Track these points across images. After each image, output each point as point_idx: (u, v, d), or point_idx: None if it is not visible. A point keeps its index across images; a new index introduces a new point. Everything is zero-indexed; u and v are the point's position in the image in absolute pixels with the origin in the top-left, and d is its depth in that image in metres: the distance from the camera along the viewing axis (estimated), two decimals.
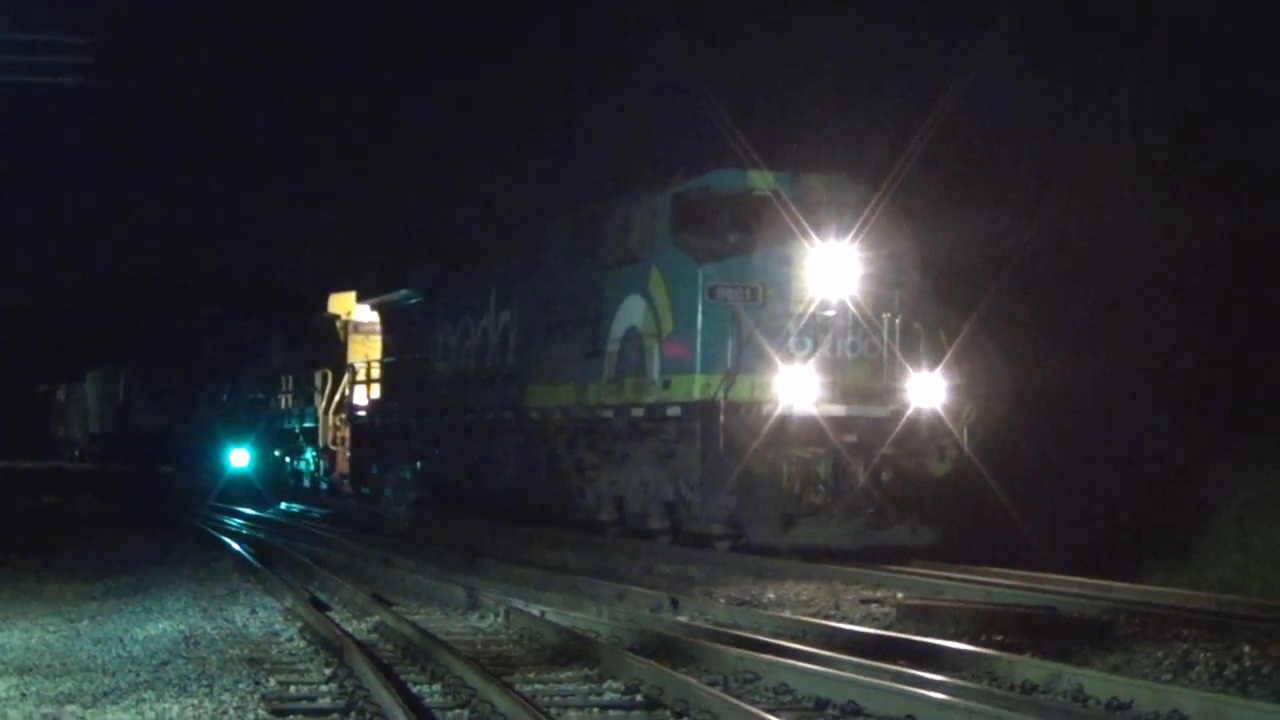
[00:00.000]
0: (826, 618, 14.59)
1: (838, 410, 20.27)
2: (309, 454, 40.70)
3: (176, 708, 9.73)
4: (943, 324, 21.15)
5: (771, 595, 16.47)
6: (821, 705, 9.87)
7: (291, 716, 9.51)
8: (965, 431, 20.76)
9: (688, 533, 21.92)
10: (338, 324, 39.46)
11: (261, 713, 9.52)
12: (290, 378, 43.70)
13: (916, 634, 13.47)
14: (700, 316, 20.72)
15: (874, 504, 20.33)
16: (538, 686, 10.54)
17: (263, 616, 14.71)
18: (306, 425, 40.41)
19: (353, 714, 9.52)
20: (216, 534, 27.09)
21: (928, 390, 20.49)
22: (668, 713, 9.63)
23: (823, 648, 12.17)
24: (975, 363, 21.32)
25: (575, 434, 24.57)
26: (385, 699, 9.51)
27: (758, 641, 12.56)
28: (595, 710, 9.81)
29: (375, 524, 31.39)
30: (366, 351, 37.65)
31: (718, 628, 13.71)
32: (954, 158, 28.54)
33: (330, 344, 39.70)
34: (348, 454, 37.96)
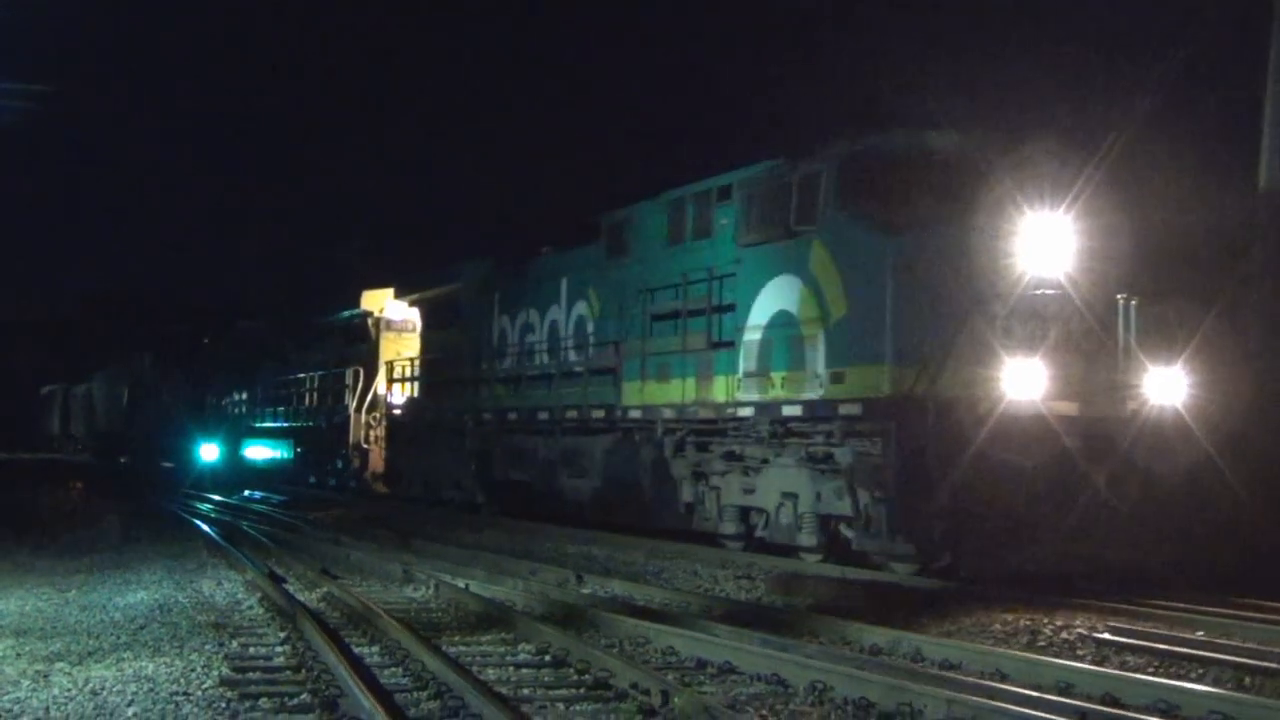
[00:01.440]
0: (707, 592, 14.71)
1: (1069, 408, 15.14)
2: (339, 451, 35.31)
3: (151, 665, 9.76)
4: (1177, 309, 16.12)
5: (662, 573, 16.56)
6: (702, 665, 9.98)
7: (250, 674, 9.52)
8: (1207, 435, 15.54)
9: (851, 549, 16.35)
10: (369, 321, 34.78)
11: (225, 670, 9.55)
12: (316, 376, 38.32)
13: (783, 604, 13.67)
14: (891, 297, 15.26)
15: (1110, 519, 14.99)
16: (462, 648, 10.61)
17: (227, 588, 14.66)
18: (336, 422, 35.27)
19: (303, 671, 9.53)
20: (189, 517, 26.84)
21: (1168, 386, 15.39)
22: (572, 671, 9.70)
23: (704, 617, 12.32)
24: (1215, 356, 16.13)
25: (690, 435, 19.29)
26: (331, 659, 9.56)
27: (649, 611, 12.69)
28: (511, 669, 9.89)
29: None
30: (399, 349, 33.00)
31: (615, 599, 13.83)
32: (1177, 117, 20.22)
33: (360, 342, 35.30)
34: (382, 452, 33.01)
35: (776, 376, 17.26)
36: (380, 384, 33.37)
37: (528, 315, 24.71)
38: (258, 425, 43.69)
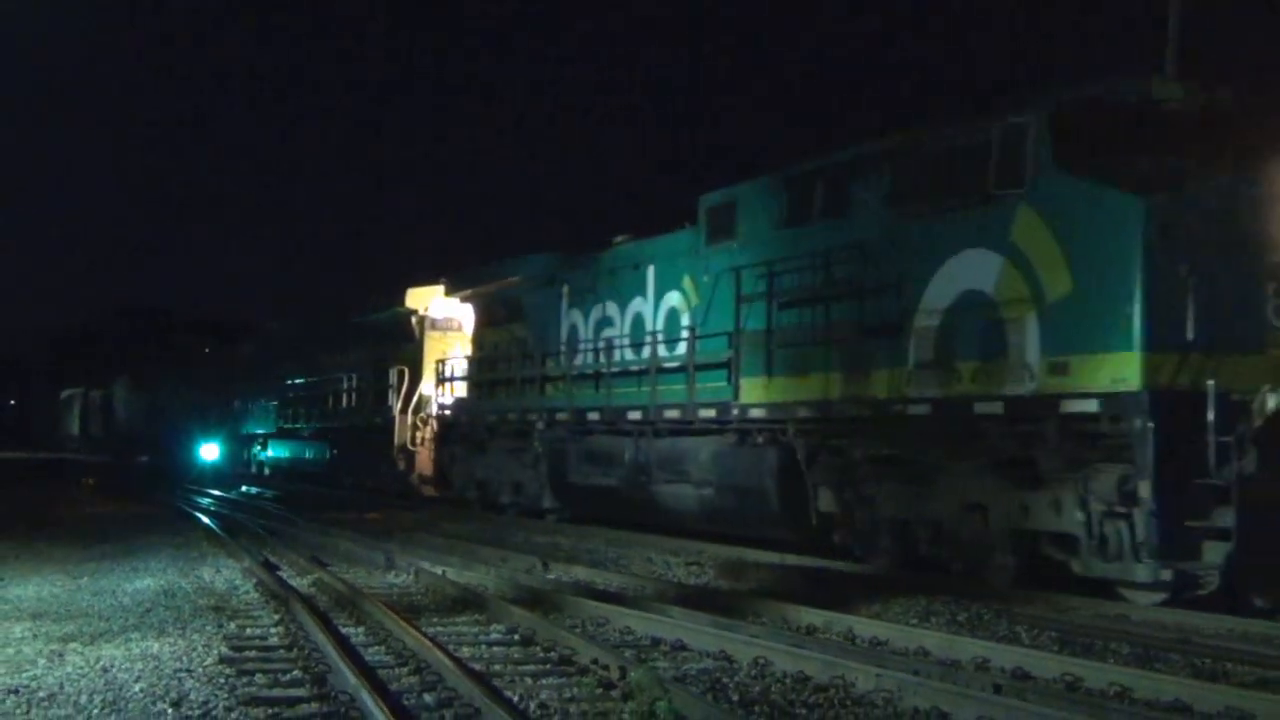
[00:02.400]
0: (660, 577, 14.72)
1: None
2: (383, 453, 30.62)
3: (157, 645, 9.71)
4: None
5: (620, 560, 16.57)
6: (656, 643, 10.00)
7: (247, 652, 9.49)
8: None
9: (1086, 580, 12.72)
10: (413, 320, 30.30)
11: (224, 650, 9.51)
12: (354, 376, 34.12)
13: (729, 588, 13.69)
14: (1143, 269, 11.78)
15: None
16: (439, 628, 10.58)
17: (226, 575, 14.58)
18: (378, 423, 30.92)
19: (295, 650, 9.52)
20: (191, 510, 26.66)
21: None
22: (539, 648, 9.71)
23: (658, 599, 12.33)
24: None
25: (831, 437, 15.44)
26: (320, 638, 9.54)
27: (609, 594, 12.71)
28: (483, 646, 9.88)
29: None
30: (444, 348, 28.99)
31: (578, 584, 13.82)
32: None
33: (403, 341, 30.86)
34: (431, 455, 28.77)
35: (964, 368, 13.56)
36: (425, 384, 29.50)
37: (603, 309, 21.06)
38: (285, 426, 39.94)
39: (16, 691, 7.99)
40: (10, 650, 9.49)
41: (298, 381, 39.04)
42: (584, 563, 15.92)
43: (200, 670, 8.72)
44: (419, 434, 29.16)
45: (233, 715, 7.36)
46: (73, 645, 9.72)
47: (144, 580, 14.03)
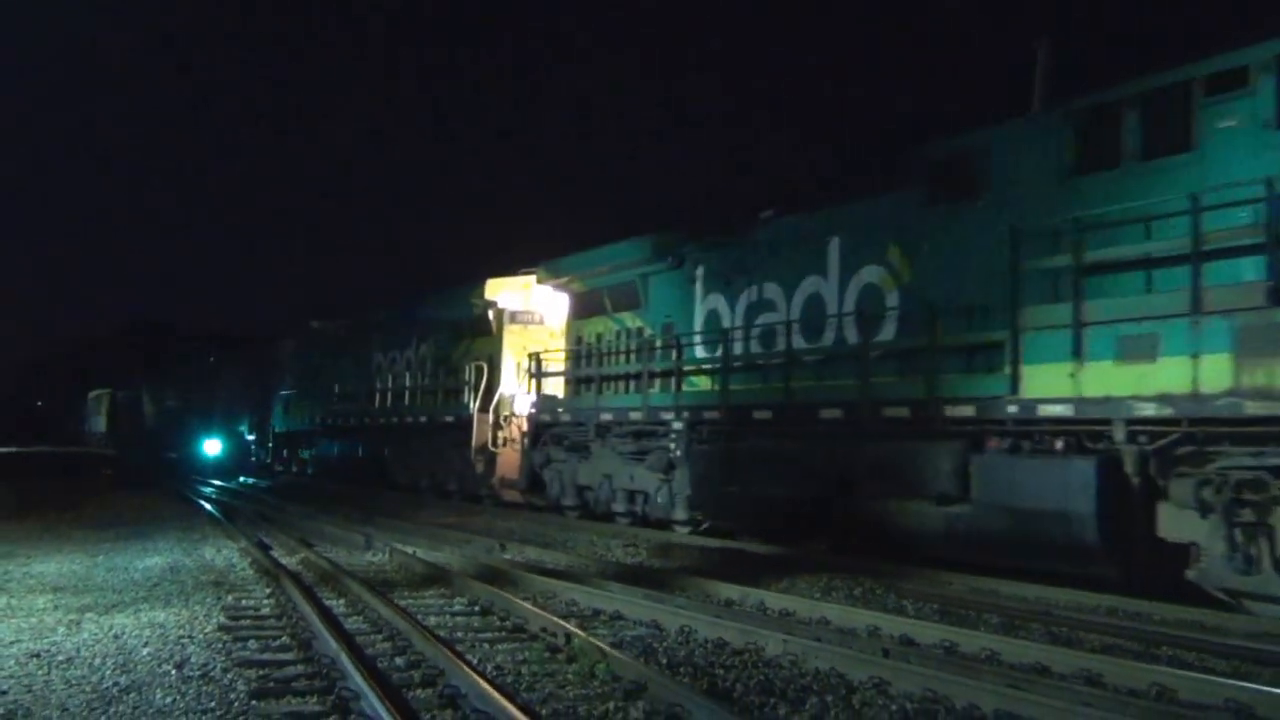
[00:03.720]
0: (602, 557, 14.73)
1: None
2: (460, 454, 24.67)
3: (163, 614, 9.63)
4: None
5: (567, 542, 16.55)
6: (597, 613, 9.99)
7: (242, 621, 9.41)
8: None
9: None
10: (490, 313, 24.48)
11: (222, 619, 9.43)
12: (417, 372, 28.42)
13: (660, 566, 13.72)
14: None
15: None
16: (410, 600, 10.54)
17: (225, 554, 14.45)
18: (451, 422, 25.23)
19: (284, 619, 9.45)
20: (196, 499, 26.38)
21: None
22: (495, 618, 9.70)
23: (599, 576, 12.34)
24: None
25: (1201, 444, 10.29)
26: (306, 609, 9.47)
27: (557, 571, 12.69)
28: (448, 616, 9.84)
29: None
30: (524, 343, 23.51)
31: (530, 562, 13.79)
32: None
33: (479, 336, 25.12)
34: (518, 456, 22.89)
35: None
36: (505, 381, 23.81)
37: (758, 291, 15.94)
38: (332, 424, 33.64)
39: (38, 655, 7.93)
40: (34, 619, 9.40)
41: (346, 378, 33.21)
42: (536, 544, 15.90)
43: (200, 637, 8.65)
44: (501, 434, 23.57)
45: (228, 676, 7.30)
46: (89, 615, 9.62)
47: (153, 559, 13.89)
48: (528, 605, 9.89)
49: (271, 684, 7.08)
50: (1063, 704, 6.46)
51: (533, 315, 24.28)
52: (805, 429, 14.67)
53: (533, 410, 21.83)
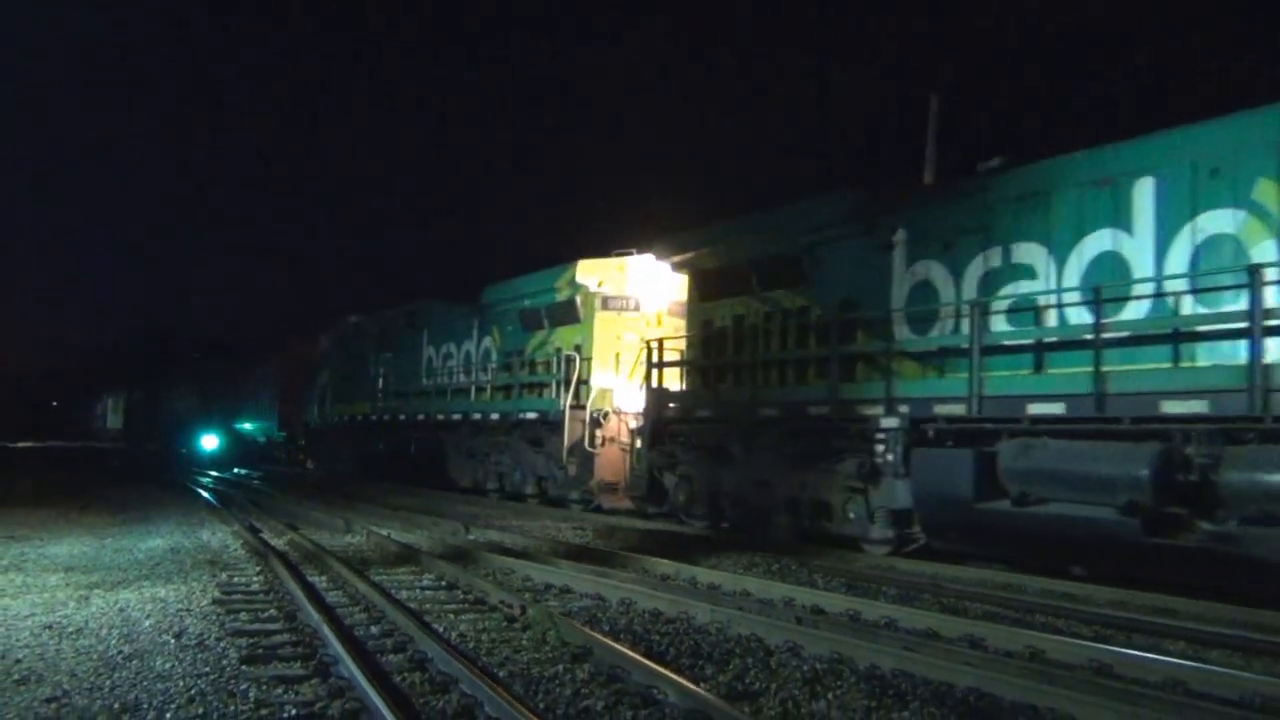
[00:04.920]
0: (553, 538, 14.69)
1: None
2: (546, 454, 20.02)
3: (164, 590, 9.47)
4: None
5: (524, 525, 16.49)
6: (549, 587, 9.97)
7: (234, 595, 9.27)
8: None
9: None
10: (578, 299, 19.80)
11: (216, 593, 9.29)
12: (484, 366, 23.02)
13: (604, 546, 13.70)
14: None
15: None
16: (384, 577, 10.44)
17: (220, 537, 14.23)
18: (526, 418, 20.62)
19: (272, 594, 9.33)
20: (194, 488, 25.97)
21: None
22: (459, 592, 9.63)
23: (551, 555, 12.30)
24: None
25: None
26: (292, 585, 9.36)
27: (514, 551, 12.64)
28: (418, 590, 9.75)
29: None
30: (617, 331, 19.27)
31: (491, 543, 13.72)
32: None
33: (566, 322, 20.26)
34: (621, 457, 18.50)
35: None
36: (598, 373, 19.24)
37: (1002, 254, 11.30)
38: (376, 420, 28.73)
39: (51, 627, 7.78)
40: (46, 595, 9.21)
41: (392, 374, 28.10)
42: (496, 527, 15.80)
43: (197, 610, 8.52)
44: (600, 432, 18.81)
45: (222, 644, 7.19)
46: (96, 591, 9.45)
47: (155, 541, 13.66)
48: (487, 581, 9.86)
49: (260, 651, 6.99)
50: (950, 663, 6.53)
51: (627, 301, 19.66)
52: (1116, 428, 9.85)
53: (649, 406, 16.77)
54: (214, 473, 33.35)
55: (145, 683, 6.17)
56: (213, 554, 12.31)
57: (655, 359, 16.72)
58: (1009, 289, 11.33)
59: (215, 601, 8.89)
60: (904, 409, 12.12)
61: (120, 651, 6.98)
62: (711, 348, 15.76)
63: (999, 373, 11.20)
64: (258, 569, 10.95)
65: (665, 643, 7.47)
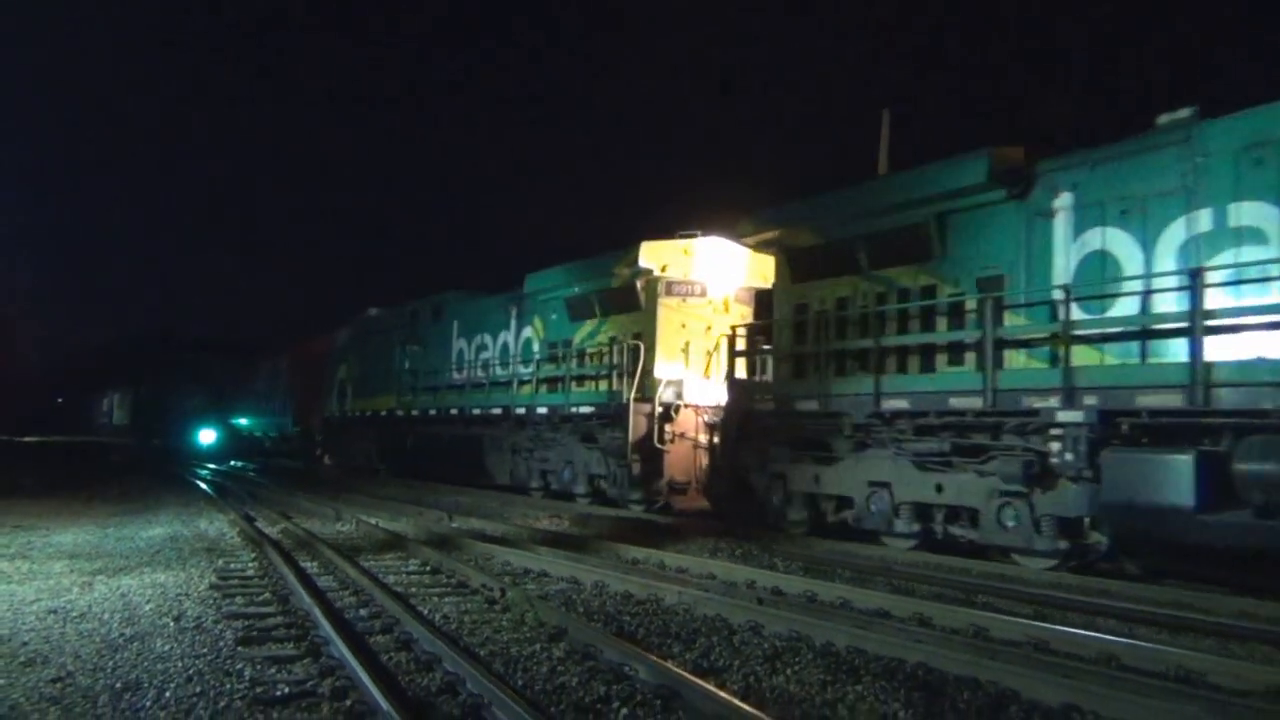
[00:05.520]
0: (532, 525, 14.64)
1: None
2: (610, 450, 17.06)
3: (164, 576, 9.37)
4: None
5: (504, 512, 16.44)
6: (527, 571, 9.94)
7: (231, 580, 9.18)
8: None
9: None
10: (639, 284, 17.15)
11: (213, 579, 9.20)
12: (521, 358, 20.35)
13: (579, 533, 13.68)
14: None
15: None
16: (372, 562, 10.38)
17: (217, 526, 14.11)
18: (579, 411, 17.86)
19: (266, 579, 9.24)
20: (193, 480, 25.73)
21: None
22: (443, 576, 9.59)
23: (529, 541, 12.27)
24: None
25: None
26: (285, 571, 9.29)
27: (494, 537, 12.60)
28: (404, 575, 9.70)
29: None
30: (682, 318, 16.86)
31: (473, 530, 13.66)
32: None
33: (626, 309, 17.62)
34: (691, 454, 16.42)
35: None
36: (660, 364, 16.64)
37: (1215, 217, 9.19)
38: (404, 416, 25.57)
39: (55, 611, 7.67)
40: (51, 582, 9.09)
41: (419, 367, 25.10)
42: (478, 515, 15.75)
43: (195, 594, 8.43)
44: (670, 428, 16.32)
45: (219, 627, 7.13)
46: (99, 577, 9.34)
47: (155, 530, 13.52)
48: (469, 566, 9.82)
49: (255, 633, 6.93)
50: (900, 641, 6.56)
51: (693, 286, 17.12)
52: None
53: (735, 399, 14.35)
54: (212, 465, 33.06)
55: (146, 663, 6.10)
56: (210, 542, 12.20)
57: (742, 347, 14.39)
58: (1225, 257, 9.04)
59: (212, 586, 8.81)
60: (1090, 400, 9.68)
61: (122, 634, 6.90)
62: (809, 333, 13.36)
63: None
64: (253, 556, 10.85)
65: (636, 623, 7.46)
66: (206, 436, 45.62)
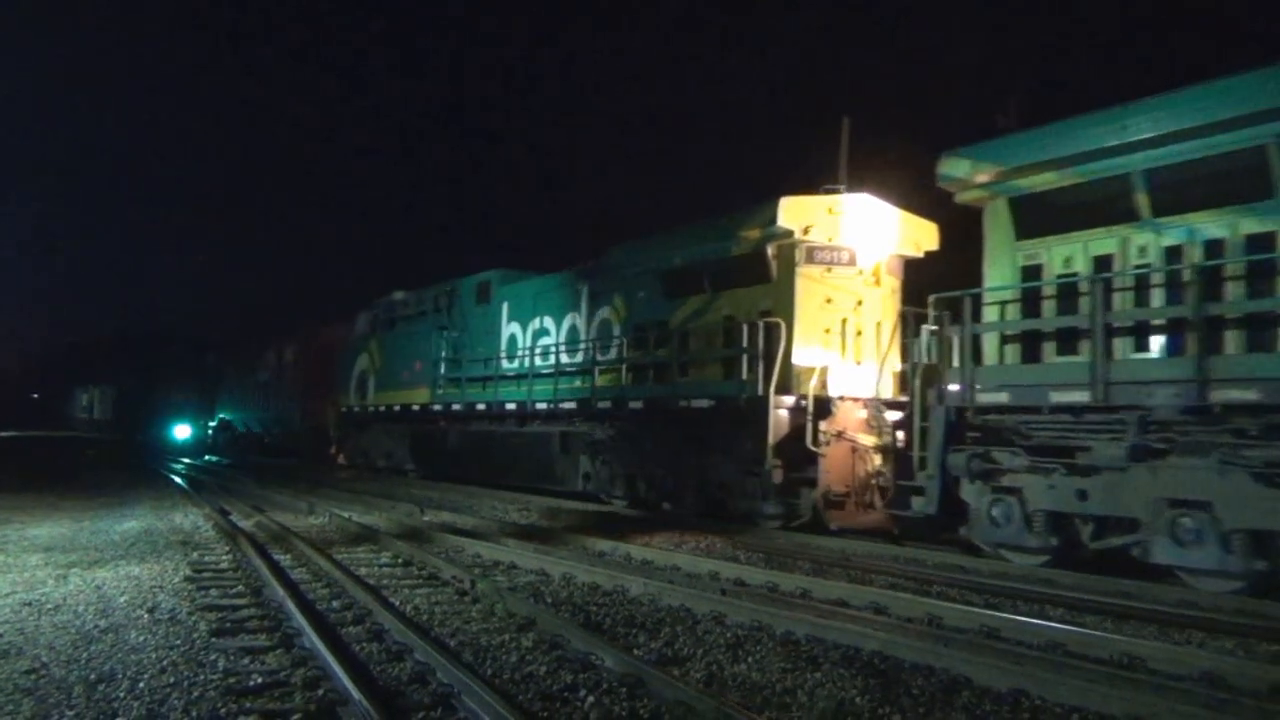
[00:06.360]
0: (501, 519, 14.61)
1: None
2: (738, 455, 13.34)
3: (138, 569, 9.27)
4: None
5: (474, 505, 16.38)
6: (497, 564, 9.92)
7: (205, 573, 9.10)
8: None
9: None
10: (771, 250, 13.48)
11: (188, 571, 9.12)
12: (599, 344, 16.65)
13: (547, 526, 13.66)
14: None
15: None
16: (345, 555, 10.32)
17: (191, 519, 13.96)
18: (694, 406, 14.06)
19: (240, 571, 9.17)
20: (167, 474, 25.44)
21: None
22: (415, 568, 9.55)
23: (499, 534, 12.24)
24: None
25: None
26: (258, 563, 9.22)
27: (465, 530, 12.56)
28: (376, 567, 9.66)
29: None
30: (826, 292, 13.36)
31: (444, 524, 13.61)
32: None
33: (742, 285, 14.06)
34: (851, 459, 12.60)
35: None
36: (801, 348, 13.21)
37: None
38: (442, 412, 21.43)
39: (30, 604, 7.58)
40: (27, 574, 8.97)
41: (462, 356, 21.03)
42: (449, 509, 15.69)
43: (170, 586, 8.35)
44: (824, 426, 12.61)
45: (193, 618, 7.06)
46: (74, 570, 9.22)
47: (130, 523, 13.37)
48: (440, 558, 9.79)
49: (229, 624, 6.88)
50: (857, 629, 6.61)
51: (840, 253, 13.49)
52: None
53: (960, 389, 10.53)
54: (186, 459, 32.67)
55: (120, 655, 6.04)
56: (184, 535, 12.08)
57: (967, 319, 10.35)
58: None
59: (186, 579, 8.72)
60: None
61: (96, 626, 6.82)
62: (1059, 302, 10.11)
63: None
64: (227, 549, 10.76)
65: (603, 613, 7.47)
66: (182, 432, 44.99)
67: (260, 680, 5.48)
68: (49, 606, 7.48)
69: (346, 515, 14.08)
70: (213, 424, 42.59)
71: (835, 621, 6.87)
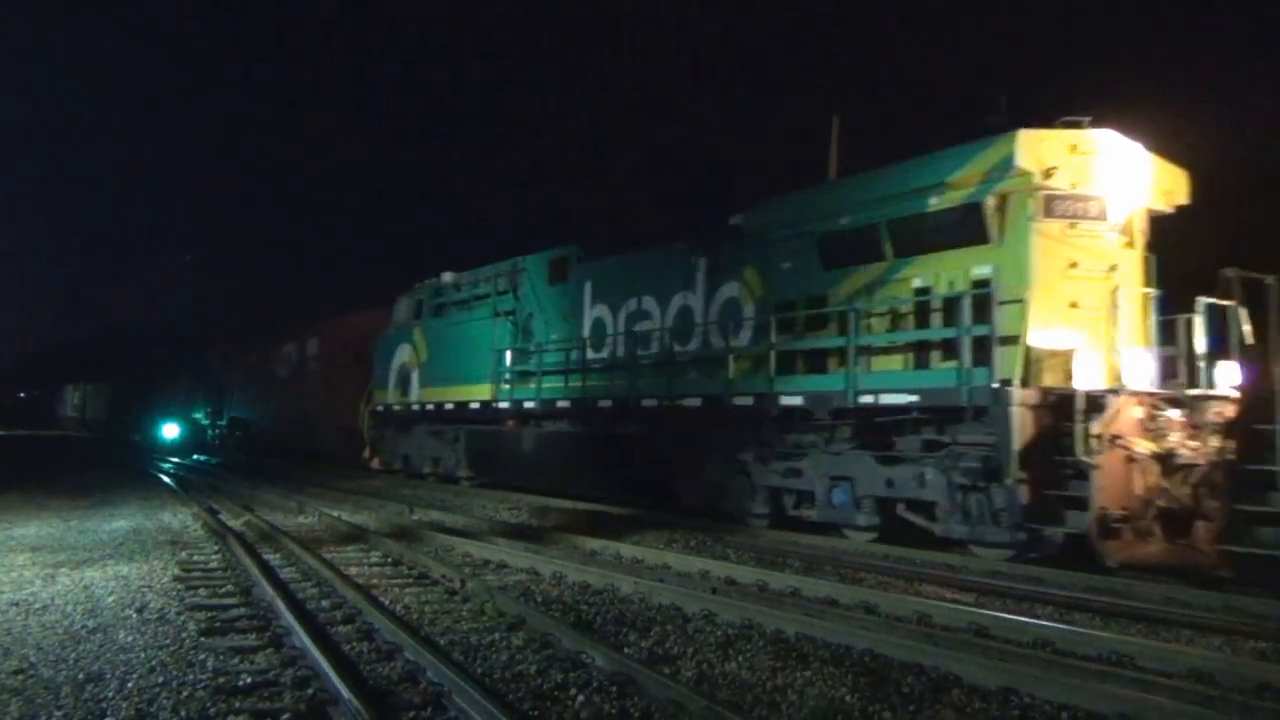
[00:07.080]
0: (491, 517, 14.57)
1: None
2: (893, 467, 10.84)
3: (127, 568, 9.21)
4: None
5: (464, 505, 16.33)
6: (487, 562, 9.89)
7: (194, 573, 9.05)
8: None
9: None
10: (989, 202, 10.18)
11: (176, 571, 9.07)
12: (731, 327, 13.35)
13: (537, 525, 13.63)
14: None
15: None
16: (334, 554, 10.27)
17: (180, 518, 13.89)
18: (888, 403, 10.80)
19: (229, 571, 9.13)
20: (156, 473, 25.30)
21: None
22: (404, 568, 9.51)
23: (489, 533, 12.20)
24: None
25: None
26: (248, 562, 9.17)
27: (454, 529, 12.51)
28: (366, 566, 9.62)
29: None
30: (1069, 255, 9.88)
31: (433, 523, 13.56)
32: None
33: (942, 246, 10.69)
34: (1132, 476, 9.01)
35: None
36: (1039, 328, 9.82)
37: None
38: (510, 410, 17.98)
39: (18, 604, 7.51)
40: (14, 574, 8.90)
41: (531, 346, 17.82)
42: (438, 508, 15.64)
43: (158, 586, 8.30)
44: (1094, 429, 9.15)
45: (181, 618, 7.01)
46: (62, 570, 9.15)
47: (119, 522, 13.29)
48: (430, 557, 9.76)
49: (218, 624, 6.84)
50: (847, 628, 6.61)
51: (1088, 204, 10.36)
52: None
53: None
54: (174, 459, 32.50)
55: (108, 654, 5.99)
56: (173, 534, 12.01)
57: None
58: None
59: (175, 578, 8.67)
60: None
61: (84, 626, 6.77)
62: None
63: None
64: (216, 548, 10.70)
65: (593, 612, 7.45)
66: (170, 431, 44.67)
67: (250, 680, 5.44)
68: (36, 606, 7.43)
69: (336, 514, 14.03)
70: (222, 423, 40.49)
71: (825, 620, 6.87)
